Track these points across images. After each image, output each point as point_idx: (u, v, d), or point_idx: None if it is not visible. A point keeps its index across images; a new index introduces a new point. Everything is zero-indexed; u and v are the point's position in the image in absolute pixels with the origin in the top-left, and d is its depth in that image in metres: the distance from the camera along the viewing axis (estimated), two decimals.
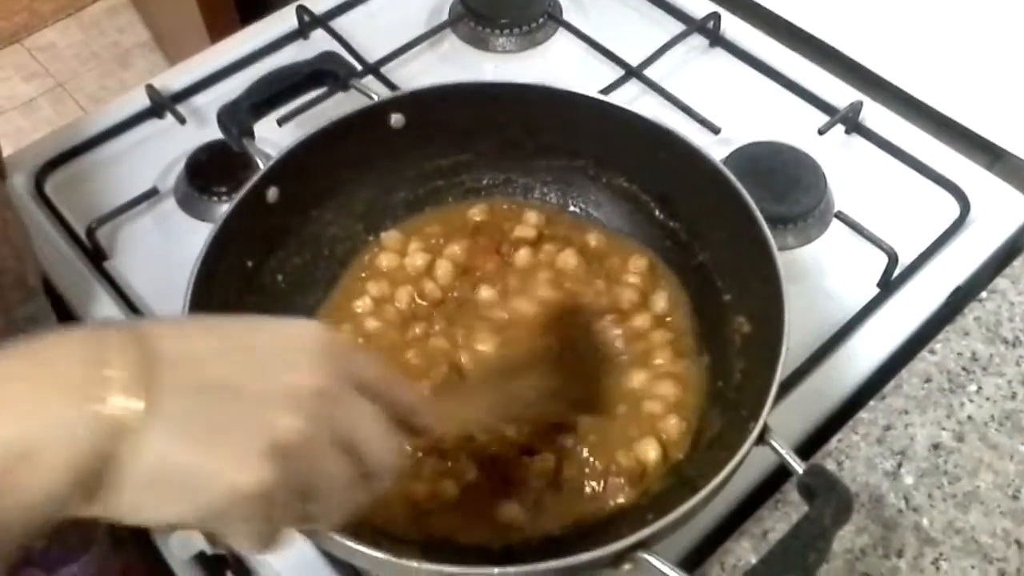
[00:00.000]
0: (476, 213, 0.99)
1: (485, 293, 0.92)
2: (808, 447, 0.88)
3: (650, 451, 0.81)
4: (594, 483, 0.80)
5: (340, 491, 0.53)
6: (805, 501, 0.70)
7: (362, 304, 0.92)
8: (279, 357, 0.51)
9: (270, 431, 0.48)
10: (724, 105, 1.14)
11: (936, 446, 0.87)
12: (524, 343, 0.88)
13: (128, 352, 0.46)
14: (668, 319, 0.90)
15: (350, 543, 0.65)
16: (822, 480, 0.70)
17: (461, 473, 0.80)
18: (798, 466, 0.71)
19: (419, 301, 0.92)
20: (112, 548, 1.02)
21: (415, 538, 0.77)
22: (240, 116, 0.89)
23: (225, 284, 0.84)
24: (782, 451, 0.73)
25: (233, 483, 0.47)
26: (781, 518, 0.83)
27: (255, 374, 0.49)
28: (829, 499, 0.68)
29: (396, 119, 0.93)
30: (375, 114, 0.92)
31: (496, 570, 0.66)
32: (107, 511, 0.46)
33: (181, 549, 0.94)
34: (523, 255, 0.95)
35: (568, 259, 0.94)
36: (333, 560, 0.83)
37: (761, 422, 0.72)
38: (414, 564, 0.67)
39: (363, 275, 0.95)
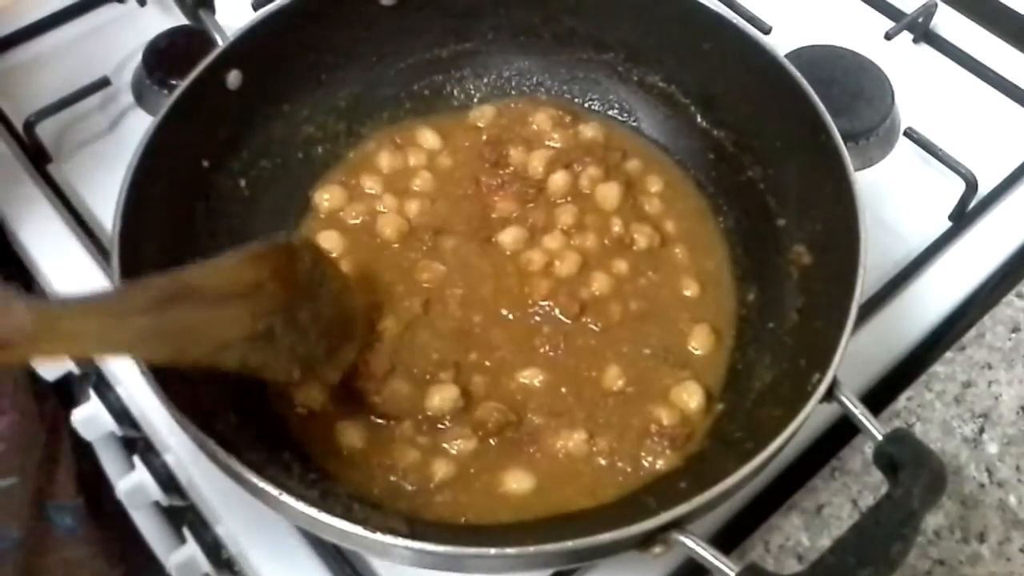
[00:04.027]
0: (480, 117, 0.84)
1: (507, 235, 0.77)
2: (870, 406, 0.74)
3: (691, 398, 0.68)
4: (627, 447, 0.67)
5: None
6: (885, 475, 0.56)
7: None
8: None
9: None
10: (775, 1, 0.98)
11: None
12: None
13: None
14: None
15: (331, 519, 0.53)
16: (909, 449, 0.55)
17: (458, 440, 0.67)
18: (876, 430, 0.57)
19: (417, 219, 0.78)
20: (36, 433, 0.90)
21: (407, 516, 0.63)
22: None
23: (172, 186, 0.70)
24: (855, 410, 0.59)
25: None
26: (839, 490, 0.69)
27: None
28: (917, 474, 0.54)
29: None
30: None
31: (492, 550, 0.53)
32: None
33: (134, 498, 0.84)
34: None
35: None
36: (311, 538, 0.70)
37: (831, 373, 0.58)
38: (400, 543, 0.53)
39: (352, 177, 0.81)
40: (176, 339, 0.55)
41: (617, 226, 0.77)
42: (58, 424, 0.93)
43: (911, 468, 0.54)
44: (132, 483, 0.82)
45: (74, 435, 0.92)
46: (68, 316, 0.51)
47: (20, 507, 0.87)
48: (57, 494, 0.93)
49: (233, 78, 0.73)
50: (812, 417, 0.60)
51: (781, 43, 0.94)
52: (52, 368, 0.88)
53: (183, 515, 0.82)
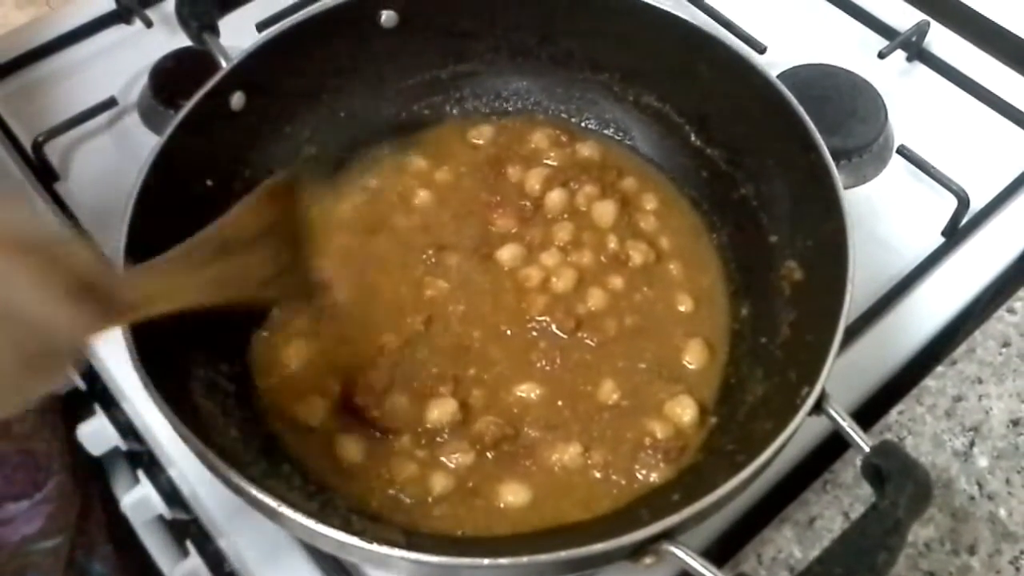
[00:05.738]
0: (479, 136, 0.85)
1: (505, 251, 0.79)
2: (863, 419, 0.75)
3: (684, 412, 0.69)
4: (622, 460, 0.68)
5: None
6: (872, 486, 0.57)
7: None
8: None
9: None
10: (770, 21, 1.00)
11: (1016, 422, 0.74)
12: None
13: None
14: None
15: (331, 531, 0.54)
16: (895, 461, 0.56)
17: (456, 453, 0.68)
18: (863, 443, 0.58)
19: (417, 236, 0.79)
20: (73, 488, 0.91)
21: (404, 528, 0.64)
22: (201, 7, 0.76)
23: (176, 204, 0.71)
24: (843, 423, 0.60)
25: None
26: (831, 503, 0.70)
27: None
28: (903, 485, 0.55)
29: (387, 16, 0.80)
30: (363, 8, 0.78)
31: (486, 560, 0.54)
32: None
33: (138, 511, 0.85)
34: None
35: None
36: (312, 551, 0.71)
37: (819, 386, 0.59)
38: (396, 553, 0.54)
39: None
40: (231, 284, 0.62)
41: (613, 243, 0.78)
42: (88, 477, 0.95)
43: (897, 479, 0.55)
44: (137, 497, 0.84)
45: (101, 483, 0.94)
46: (152, 282, 0.58)
47: (61, 562, 0.89)
48: (90, 544, 0.94)
49: (237, 99, 0.75)
50: (805, 431, 0.61)
51: (776, 62, 0.96)
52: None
53: (186, 528, 0.83)
